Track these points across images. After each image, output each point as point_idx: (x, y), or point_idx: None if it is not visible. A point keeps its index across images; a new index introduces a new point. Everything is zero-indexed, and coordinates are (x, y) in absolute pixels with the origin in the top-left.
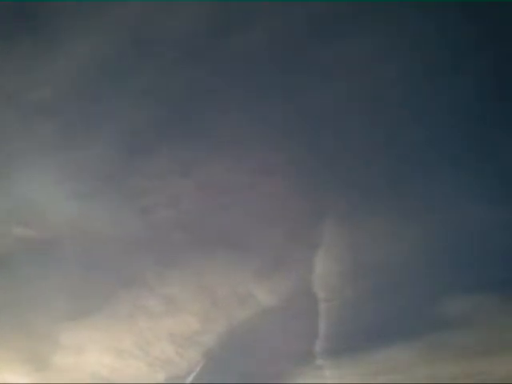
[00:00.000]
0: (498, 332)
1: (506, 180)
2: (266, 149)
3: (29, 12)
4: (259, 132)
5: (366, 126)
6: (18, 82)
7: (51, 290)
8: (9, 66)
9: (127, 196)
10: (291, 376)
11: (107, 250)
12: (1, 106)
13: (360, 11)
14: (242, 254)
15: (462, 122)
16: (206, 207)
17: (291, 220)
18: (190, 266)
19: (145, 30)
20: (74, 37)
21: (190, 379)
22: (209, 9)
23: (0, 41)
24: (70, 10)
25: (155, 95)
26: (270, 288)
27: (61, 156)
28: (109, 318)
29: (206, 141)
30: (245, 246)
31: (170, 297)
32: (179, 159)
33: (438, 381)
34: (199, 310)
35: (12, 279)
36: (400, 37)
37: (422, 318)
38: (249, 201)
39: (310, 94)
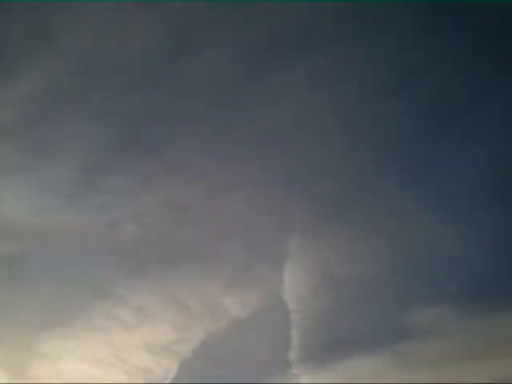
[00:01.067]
0: (460, 342)
1: (464, 199)
2: (222, 168)
3: None
4: (215, 152)
5: (320, 146)
6: None
7: (24, 302)
8: None
9: (90, 212)
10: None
11: (76, 263)
12: None
13: (307, 37)
14: (210, 268)
15: (420, 142)
16: (168, 222)
17: (257, 235)
18: (160, 278)
19: (99, 55)
20: (33, 61)
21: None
22: (158, 35)
23: None
24: (27, 36)
25: (113, 117)
26: (240, 300)
27: (25, 174)
28: (84, 328)
29: (163, 160)
30: (212, 260)
31: (143, 308)
32: (138, 178)
33: None
34: (172, 320)
35: None
36: (346, 62)
37: (390, 329)
38: (210, 217)
39: (261, 117)
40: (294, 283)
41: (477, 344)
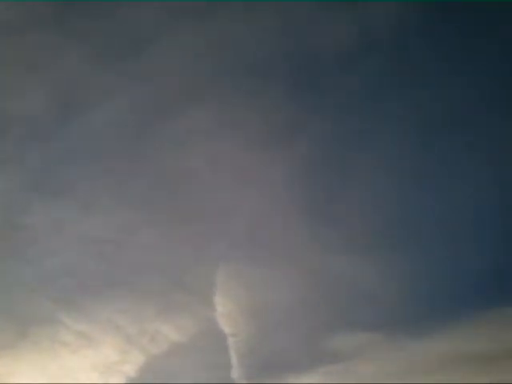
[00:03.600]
0: (382, 364)
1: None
2: (132, 207)
3: None
4: (120, 195)
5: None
6: None
7: None
8: None
9: (13, 249)
10: None
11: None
12: None
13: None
14: (141, 297)
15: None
16: (89, 256)
17: (180, 266)
18: (96, 307)
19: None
20: None
21: None
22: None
23: None
24: None
25: (28, 161)
26: (175, 326)
27: None
28: (31, 351)
29: (75, 201)
30: (140, 291)
31: (85, 333)
32: (52, 217)
33: None
34: (114, 344)
35: None
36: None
37: (318, 352)
38: (132, 250)
39: (162, 160)
40: (226, 310)
41: (397, 366)
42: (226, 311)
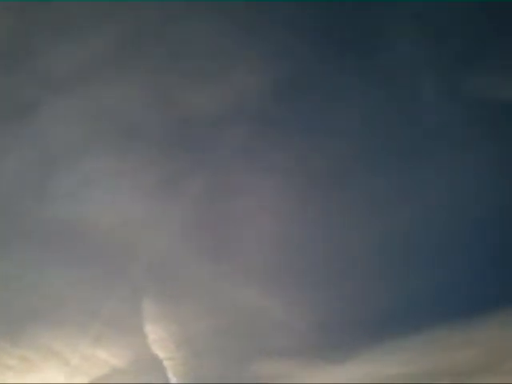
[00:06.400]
0: None
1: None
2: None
3: None
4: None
5: None
6: None
7: None
8: None
9: None
10: None
11: None
12: None
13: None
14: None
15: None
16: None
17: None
18: (31, 334)
19: None
20: None
21: None
22: None
23: None
24: None
25: None
26: (112, 352)
27: None
28: None
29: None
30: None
31: (27, 357)
32: None
33: None
34: (56, 367)
35: None
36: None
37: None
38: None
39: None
40: (158, 338)
41: None
42: (157, 339)
